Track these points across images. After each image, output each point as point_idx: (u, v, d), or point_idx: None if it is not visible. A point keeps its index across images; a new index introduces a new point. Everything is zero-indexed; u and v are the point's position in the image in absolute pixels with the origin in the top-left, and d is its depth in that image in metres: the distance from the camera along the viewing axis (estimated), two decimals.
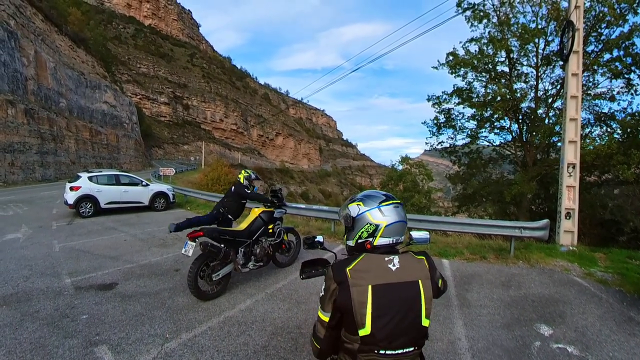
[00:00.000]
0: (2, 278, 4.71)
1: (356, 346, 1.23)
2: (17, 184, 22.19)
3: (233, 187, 5.50)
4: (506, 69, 13.59)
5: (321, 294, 1.32)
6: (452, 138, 15.45)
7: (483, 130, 14.76)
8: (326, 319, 1.30)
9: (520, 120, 13.91)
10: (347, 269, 1.25)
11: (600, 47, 11.74)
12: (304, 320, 3.63)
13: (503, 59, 13.41)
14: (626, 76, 11.65)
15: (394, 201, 1.39)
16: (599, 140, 11.96)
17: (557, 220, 6.81)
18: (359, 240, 1.37)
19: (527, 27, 12.04)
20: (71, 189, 10.39)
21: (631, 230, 9.21)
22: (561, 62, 10.11)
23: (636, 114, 11.58)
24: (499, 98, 12.47)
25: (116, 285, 4.58)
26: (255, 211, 5.01)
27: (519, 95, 13.12)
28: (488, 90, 13.40)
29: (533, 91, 13.44)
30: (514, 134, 14.28)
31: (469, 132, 14.97)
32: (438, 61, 14.12)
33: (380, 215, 1.34)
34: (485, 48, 13.22)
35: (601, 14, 11.26)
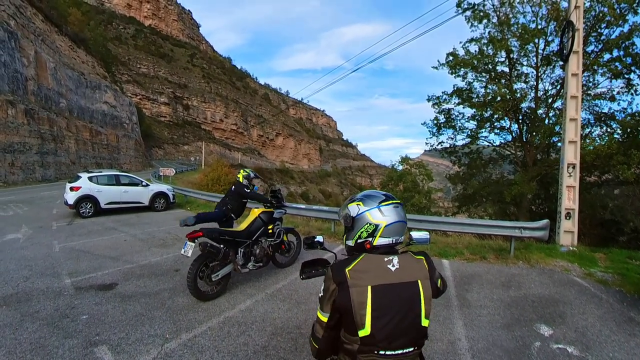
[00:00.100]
0: (2, 278, 4.71)
1: (356, 347, 1.23)
2: (17, 184, 22.20)
3: (233, 187, 5.51)
4: (506, 69, 13.61)
5: (320, 295, 1.32)
6: (452, 138, 15.48)
7: (483, 130, 14.77)
8: (325, 319, 1.30)
9: (520, 121, 13.91)
10: (347, 270, 1.25)
11: (600, 47, 11.75)
12: (304, 320, 3.63)
13: (503, 59, 13.42)
14: (626, 76, 11.65)
15: (394, 201, 1.39)
16: (599, 141, 11.97)
17: (557, 220, 6.80)
18: (359, 240, 1.37)
19: (527, 27, 12.05)
20: (71, 189, 10.40)
21: (631, 230, 9.20)
22: (561, 62, 10.11)
23: (636, 114, 11.59)
24: (499, 98, 12.47)
25: (116, 285, 4.58)
26: (255, 211, 5.01)
27: (519, 95, 13.13)
28: (488, 91, 13.40)
29: (533, 91, 13.45)
30: (514, 134, 14.29)
31: (469, 133, 14.98)
32: (438, 61, 14.15)
33: (380, 215, 1.34)
34: (485, 48, 13.22)
35: (601, 14, 11.26)
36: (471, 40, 13.41)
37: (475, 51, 13.40)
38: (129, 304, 3.94)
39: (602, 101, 12.73)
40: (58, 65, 32.85)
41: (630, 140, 10.46)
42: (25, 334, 3.19)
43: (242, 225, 4.81)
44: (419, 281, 1.28)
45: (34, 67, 28.09)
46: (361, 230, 1.35)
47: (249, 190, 5.39)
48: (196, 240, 4.13)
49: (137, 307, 3.87)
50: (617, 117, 12.24)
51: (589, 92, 12.59)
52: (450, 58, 13.79)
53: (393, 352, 1.22)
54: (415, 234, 1.66)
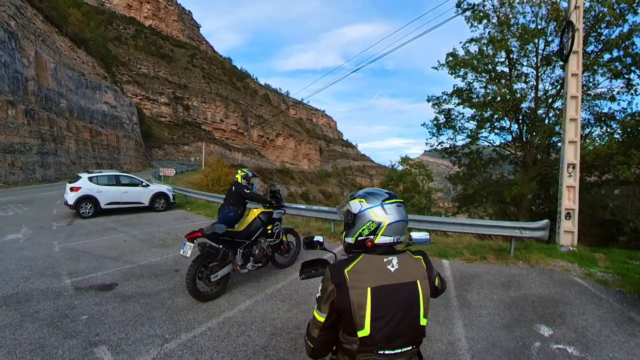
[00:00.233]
0: (2, 278, 4.71)
1: (355, 347, 1.22)
2: (17, 185, 22.21)
3: (233, 187, 5.47)
4: (506, 69, 13.60)
5: (318, 295, 1.31)
6: (452, 139, 15.47)
7: (483, 130, 14.75)
8: (322, 319, 1.29)
9: (520, 121, 13.91)
10: (346, 270, 1.23)
11: (600, 47, 11.74)
12: (304, 320, 3.62)
13: (503, 60, 13.42)
14: (626, 76, 11.64)
15: (397, 200, 1.38)
16: (599, 141, 11.97)
17: (557, 220, 6.80)
18: (359, 238, 1.35)
19: (527, 28, 12.05)
20: (71, 189, 10.40)
21: (631, 230, 9.19)
22: (561, 63, 10.11)
23: (636, 114, 11.57)
24: (499, 98, 12.47)
25: (116, 285, 4.58)
26: (254, 212, 5.01)
27: (519, 95, 13.13)
28: (488, 91, 13.39)
29: (533, 91, 13.45)
30: (514, 134, 14.28)
31: (469, 133, 14.97)
32: (438, 62, 14.14)
33: (383, 214, 1.33)
34: (485, 48, 13.22)
35: (601, 14, 11.26)
36: (471, 40, 13.41)
37: (475, 51, 13.40)
38: (129, 304, 3.94)
39: (602, 101, 12.73)
40: (58, 66, 32.88)
41: (630, 140, 10.45)
42: (25, 334, 3.19)
43: (241, 225, 4.81)
44: (418, 281, 1.28)
45: (34, 68, 28.12)
46: (363, 228, 1.33)
47: (249, 191, 5.36)
48: (195, 241, 4.12)
49: (137, 307, 3.87)
50: (617, 117, 12.24)
51: (589, 92, 12.58)
52: (450, 58, 13.78)
53: (392, 352, 1.22)
54: (415, 235, 1.66)
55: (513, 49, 12.89)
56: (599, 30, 11.67)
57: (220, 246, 4.20)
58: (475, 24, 13.12)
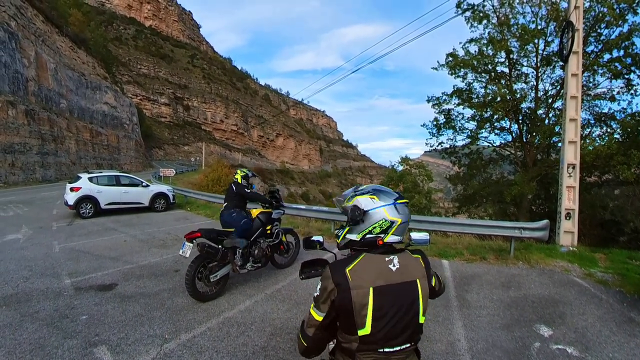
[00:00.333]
0: (2, 279, 4.71)
1: (354, 345, 1.22)
2: (17, 185, 22.22)
3: (234, 188, 5.20)
4: (506, 70, 13.60)
5: (316, 294, 1.29)
6: (452, 139, 15.47)
7: (483, 130, 14.76)
8: (319, 318, 1.28)
9: (520, 121, 13.90)
10: (347, 270, 1.23)
11: (600, 47, 11.74)
12: None
13: (503, 60, 13.42)
14: (626, 76, 11.64)
15: (405, 199, 1.39)
16: (599, 141, 11.97)
17: (557, 220, 6.80)
18: (368, 236, 1.31)
19: (527, 28, 12.05)
20: (71, 189, 10.41)
21: (631, 230, 9.18)
22: (561, 63, 10.11)
23: (636, 114, 11.57)
24: (498, 99, 12.48)
25: (116, 286, 4.58)
26: (253, 212, 5.00)
27: (519, 95, 13.13)
28: (488, 91, 13.40)
29: (533, 92, 13.45)
30: (514, 134, 14.28)
31: (469, 133, 14.97)
32: (437, 62, 14.14)
33: (396, 213, 1.32)
34: (485, 49, 13.23)
35: (600, 14, 11.26)
36: (471, 40, 13.41)
37: (475, 52, 13.41)
38: (129, 305, 3.94)
39: (602, 101, 12.74)
40: (58, 66, 32.90)
41: (630, 141, 10.45)
42: (25, 334, 3.19)
43: None
44: (418, 280, 1.28)
45: (35, 68, 28.15)
46: (374, 226, 1.30)
47: (249, 191, 5.21)
48: (194, 241, 4.12)
49: (137, 307, 3.87)
50: (617, 117, 12.24)
51: (589, 92, 12.58)
52: (450, 59, 13.79)
53: (392, 349, 1.23)
54: (415, 235, 1.66)
55: (513, 49, 12.90)
56: (598, 31, 11.68)
57: (220, 246, 4.20)
58: (475, 24, 13.13)
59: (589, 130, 13.04)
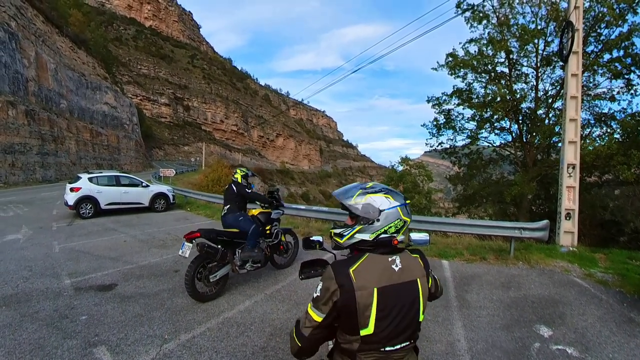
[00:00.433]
0: (2, 279, 4.71)
1: (356, 346, 1.22)
2: (17, 185, 22.22)
3: (235, 188, 4.98)
4: (506, 70, 13.61)
5: (316, 294, 1.27)
6: (452, 139, 15.48)
7: (483, 131, 14.77)
8: (319, 318, 1.25)
9: (520, 121, 13.91)
10: (351, 270, 1.21)
11: (599, 47, 11.75)
12: None
13: (503, 60, 13.43)
14: (626, 76, 11.65)
15: (408, 200, 1.39)
16: (599, 141, 11.98)
17: (557, 220, 6.79)
18: (382, 235, 1.28)
19: (527, 28, 12.05)
20: (71, 190, 10.40)
21: (632, 230, 9.17)
22: (561, 63, 10.11)
23: (636, 114, 11.57)
24: (498, 99, 12.48)
25: (116, 286, 4.57)
26: (253, 212, 4.99)
27: (518, 95, 13.14)
28: (488, 91, 13.41)
29: (533, 92, 13.45)
30: (514, 134, 14.29)
31: (469, 133, 14.98)
32: (437, 62, 14.16)
33: (407, 212, 1.33)
34: (484, 49, 13.24)
35: (600, 14, 11.27)
36: (471, 40, 13.43)
37: (475, 52, 13.43)
38: (129, 305, 3.94)
39: (602, 101, 12.74)
40: (59, 66, 32.91)
41: (630, 141, 10.45)
42: (25, 334, 3.19)
43: None
44: (418, 279, 1.29)
45: (35, 68, 28.15)
46: (389, 226, 1.28)
47: (250, 191, 5.08)
48: (194, 241, 4.11)
49: (137, 307, 3.87)
50: (617, 117, 12.24)
51: (589, 92, 12.59)
52: (450, 59, 13.80)
53: (392, 348, 1.23)
54: (414, 235, 1.65)
55: (513, 49, 12.90)
56: (598, 31, 11.68)
57: (219, 246, 4.20)
58: (475, 24, 13.15)
59: (589, 130, 13.05)
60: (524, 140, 13.83)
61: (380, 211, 1.28)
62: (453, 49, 13.95)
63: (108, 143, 42.42)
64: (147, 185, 12.27)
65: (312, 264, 1.84)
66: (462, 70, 13.81)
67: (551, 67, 12.89)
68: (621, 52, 11.28)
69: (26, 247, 6.61)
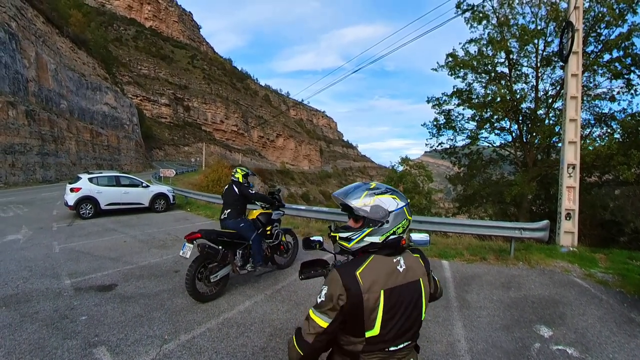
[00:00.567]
0: (2, 279, 4.71)
1: (359, 347, 1.21)
2: (17, 185, 22.22)
3: (237, 189, 4.77)
4: (506, 70, 13.62)
5: (321, 299, 1.22)
6: (452, 139, 15.48)
7: (483, 131, 14.79)
8: (325, 324, 1.20)
9: (520, 121, 13.91)
10: (357, 273, 1.19)
11: (599, 47, 11.75)
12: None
13: (503, 60, 13.43)
14: (626, 76, 11.65)
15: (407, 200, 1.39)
16: (599, 141, 11.96)
17: (558, 221, 6.79)
18: (392, 237, 1.27)
19: (527, 28, 12.06)
20: (71, 190, 10.40)
21: (632, 230, 9.17)
22: (561, 63, 10.11)
23: (636, 114, 11.58)
24: (498, 99, 12.48)
25: (116, 286, 4.57)
26: (253, 213, 4.98)
27: (518, 96, 13.14)
28: (488, 91, 13.41)
29: (533, 92, 13.45)
30: (514, 134, 14.29)
31: (469, 133, 14.99)
32: (437, 63, 14.16)
33: (410, 212, 1.33)
34: (484, 49, 13.25)
35: (600, 14, 11.27)
36: (471, 41, 13.44)
37: (475, 52, 13.43)
38: (128, 305, 3.94)
39: (602, 101, 12.74)
40: (59, 67, 32.93)
41: (631, 141, 10.45)
42: (25, 334, 3.19)
43: None
44: (421, 279, 1.29)
45: (35, 69, 28.16)
46: (398, 226, 1.27)
47: (253, 192, 4.93)
48: (194, 242, 4.11)
49: (137, 308, 3.87)
50: (617, 118, 12.24)
51: (589, 92, 12.59)
52: (450, 59, 13.80)
53: (396, 347, 1.23)
54: (415, 236, 1.65)
55: (513, 49, 12.91)
56: (598, 31, 11.68)
57: (220, 247, 4.20)
58: (475, 24, 13.16)
59: (589, 130, 13.05)
60: (524, 141, 13.83)
61: (389, 212, 1.26)
62: (453, 50, 13.97)
63: (108, 143, 42.44)
64: (147, 186, 12.27)
65: (312, 264, 1.84)
66: (462, 70, 13.81)
67: (551, 67, 12.90)
68: (621, 52, 11.29)
69: (26, 247, 6.61)
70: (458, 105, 14.48)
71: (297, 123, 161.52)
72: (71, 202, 10.23)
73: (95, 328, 3.36)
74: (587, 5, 10.98)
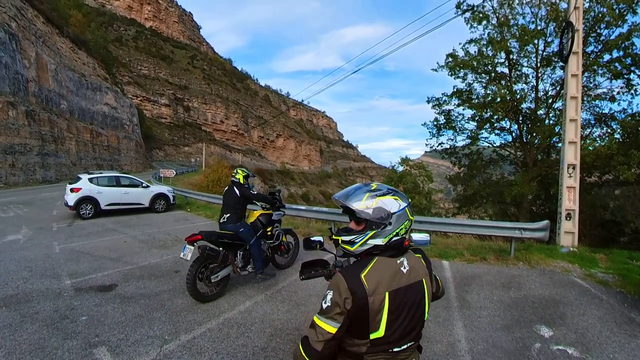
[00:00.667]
0: (2, 279, 4.71)
1: (363, 349, 1.21)
2: (17, 186, 22.22)
3: (237, 191, 4.67)
4: (506, 70, 13.62)
5: (326, 304, 1.19)
6: (452, 139, 15.49)
7: (483, 131, 14.79)
8: (333, 330, 1.17)
9: (520, 121, 13.92)
10: (362, 276, 1.18)
11: (599, 47, 11.76)
12: (304, 322, 3.62)
13: (503, 60, 13.44)
14: (626, 76, 11.65)
15: None
16: (599, 141, 11.96)
17: (558, 221, 6.79)
18: (395, 238, 1.26)
19: (527, 29, 12.06)
20: (72, 190, 10.40)
21: (632, 231, 9.18)
22: (561, 63, 10.12)
23: (636, 114, 11.58)
24: (498, 99, 12.49)
25: (116, 286, 4.57)
26: (254, 214, 4.97)
27: (519, 96, 13.14)
28: (488, 92, 13.42)
29: (533, 92, 13.46)
30: (514, 134, 14.29)
31: (469, 134, 14.99)
32: (437, 63, 14.15)
33: (411, 212, 1.32)
34: (484, 49, 13.25)
35: (600, 15, 11.28)
36: (471, 41, 13.44)
37: (475, 52, 13.43)
38: (129, 305, 3.93)
39: (602, 102, 12.75)
40: (59, 67, 32.94)
41: (631, 141, 10.45)
42: (25, 335, 3.19)
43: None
44: (424, 279, 1.29)
45: (35, 69, 28.17)
46: (401, 228, 1.26)
47: (255, 192, 4.87)
48: (195, 244, 4.11)
49: (137, 308, 3.87)
50: (617, 118, 12.25)
51: (589, 92, 12.60)
52: (450, 59, 13.80)
53: (399, 348, 1.23)
54: (415, 236, 1.65)
55: (513, 49, 12.91)
56: (598, 31, 11.69)
57: (221, 249, 4.20)
58: (475, 25, 13.16)
59: (589, 130, 13.05)
60: (524, 141, 13.84)
61: (392, 214, 1.25)
62: (453, 50, 13.98)
63: (108, 144, 42.44)
64: (147, 186, 12.27)
65: (312, 265, 1.84)
66: (462, 70, 13.82)
67: (551, 67, 12.91)
68: (621, 53, 11.29)
69: (26, 247, 6.61)
70: (458, 105, 14.50)
71: (297, 123, 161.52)
72: (71, 203, 10.23)
73: (95, 328, 3.36)
74: (587, 5, 10.98)
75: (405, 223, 1.28)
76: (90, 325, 3.42)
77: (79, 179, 10.98)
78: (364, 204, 1.24)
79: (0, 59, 23.55)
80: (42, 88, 29.24)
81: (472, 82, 14.10)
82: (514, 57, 13.22)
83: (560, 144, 8.34)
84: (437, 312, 3.82)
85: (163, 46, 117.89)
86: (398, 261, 1.26)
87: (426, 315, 1.29)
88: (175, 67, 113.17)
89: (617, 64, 11.49)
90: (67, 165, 30.22)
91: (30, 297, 4.12)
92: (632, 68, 11.38)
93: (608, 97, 12.42)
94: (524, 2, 12.62)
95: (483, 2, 12.45)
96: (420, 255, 1.36)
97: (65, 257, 5.99)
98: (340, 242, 1.32)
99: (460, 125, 15.01)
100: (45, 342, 3.08)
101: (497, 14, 13.02)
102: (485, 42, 13.11)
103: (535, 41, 12.36)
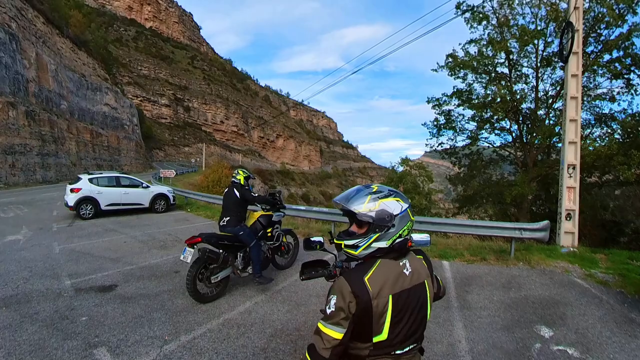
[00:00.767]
0: (2, 280, 4.71)
1: (366, 352, 1.20)
2: (17, 186, 22.22)
3: (238, 193, 4.62)
4: (506, 71, 13.63)
5: (331, 310, 1.17)
6: (453, 139, 15.49)
7: (483, 131, 14.80)
8: (339, 335, 1.15)
9: (520, 121, 13.93)
10: (366, 279, 1.17)
11: (599, 47, 11.77)
12: (304, 322, 3.62)
13: (503, 61, 13.45)
14: (626, 77, 11.66)
15: None
16: (599, 141, 11.98)
17: (558, 221, 6.79)
18: (398, 240, 1.24)
19: (527, 29, 12.07)
20: (72, 190, 10.40)
21: (632, 231, 9.19)
22: (561, 63, 10.13)
23: (636, 114, 11.59)
24: (499, 99, 12.50)
25: (116, 287, 4.57)
26: (254, 215, 4.96)
27: (519, 96, 13.16)
28: (488, 92, 13.43)
29: (533, 92, 13.47)
30: (514, 135, 14.30)
31: (469, 134, 15.00)
32: (437, 63, 14.17)
33: (412, 212, 1.32)
34: (484, 50, 13.26)
35: (600, 15, 11.29)
36: (471, 41, 13.46)
37: (475, 52, 13.45)
38: (129, 306, 3.93)
39: (602, 102, 12.76)
40: (59, 67, 32.95)
41: (631, 141, 10.46)
42: (25, 335, 3.19)
43: None
44: (425, 281, 1.29)
45: (35, 69, 28.18)
46: (404, 229, 1.25)
47: (255, 195, 4.85)
48: (195, 246, 4.11)
49: (137, 308, 3.87)
50: (617, 118, 12.26)
51: (589, 92, 12.60)
52: (450, 60, 13.82)
53: (402, 350, 1.22)
54: (415, 236, 1.64)
55: (513, 50, 12.92)
56: (598, 31, 11.70)
57: (221, 250, 4.19)
58: (475, 25, 13.19)
59: (589, 130, 13.07)
60: (524, 141, 13.84)
61: (394, 216, 1.23)
62: (453, 50, 14.00)
63: (108, 144, 42.46)
64: (148, 186, 12.27)
65: (313, 265, 1.84)
66: (462, 71, 13.83)
67: (551, 67, 12.92)
68: (621, 53, 11.31)
69: (26, 248, 6.61)
70: (458, 105, 14.51)
71: (297, 123, 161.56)
72: (71, 203, 10.23)
73: (95, 329, 3.36)
74: (587, 5, 10.99)
75: (408, 224, 1.27)
76: (90, 326, 3.41)
77: (79, 179, 10.98)
78: (366, 207, 1.22)
79: (1, 59, 23.56)
80: (42, 88, 29.25)
81: (472, 82, 14.14)
82: (514, 58, 13.23)
83: (560, 144, 8.34)
84: (437, 312, 3.82)
85: (163, 46, 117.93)
86: (400, 263, 1.25)
87: (428, 316, 1.28)
88: (175, 68, 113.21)
89: (617, 64, 11.50)
90: (67, 165, 30.23)
91: (30, 297, 4.12)
92: (632, 68, 11.41)
93: (608, 97, 12.45)
94: (524, 2, 12.64)
95: (483, 2, 12.48)
96: (422, 257, 1.36)
97: (65, 257, 5.99)
98: (343, 246, 1.29)
99: (460, 126, 15.03)
100: (45, 342, 3.07)
101: (497, 14, 13.04)
102: (485, 43, 13.13)
103: (535, 41, 12.37)
